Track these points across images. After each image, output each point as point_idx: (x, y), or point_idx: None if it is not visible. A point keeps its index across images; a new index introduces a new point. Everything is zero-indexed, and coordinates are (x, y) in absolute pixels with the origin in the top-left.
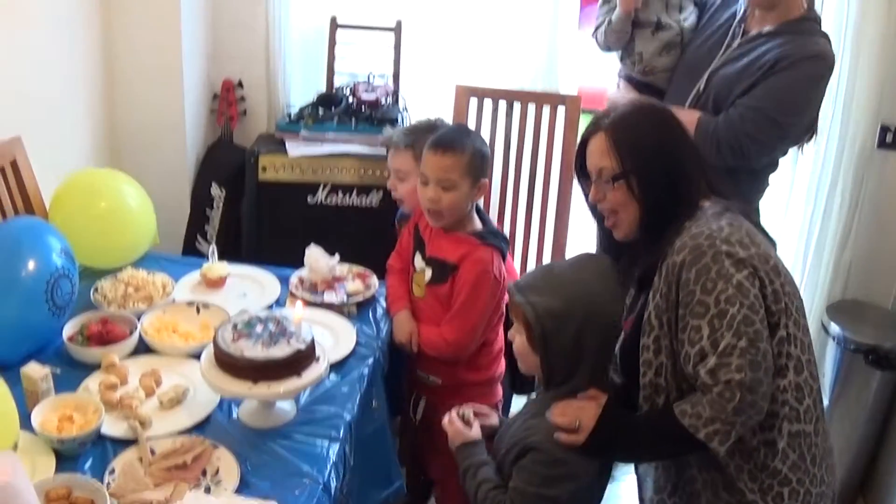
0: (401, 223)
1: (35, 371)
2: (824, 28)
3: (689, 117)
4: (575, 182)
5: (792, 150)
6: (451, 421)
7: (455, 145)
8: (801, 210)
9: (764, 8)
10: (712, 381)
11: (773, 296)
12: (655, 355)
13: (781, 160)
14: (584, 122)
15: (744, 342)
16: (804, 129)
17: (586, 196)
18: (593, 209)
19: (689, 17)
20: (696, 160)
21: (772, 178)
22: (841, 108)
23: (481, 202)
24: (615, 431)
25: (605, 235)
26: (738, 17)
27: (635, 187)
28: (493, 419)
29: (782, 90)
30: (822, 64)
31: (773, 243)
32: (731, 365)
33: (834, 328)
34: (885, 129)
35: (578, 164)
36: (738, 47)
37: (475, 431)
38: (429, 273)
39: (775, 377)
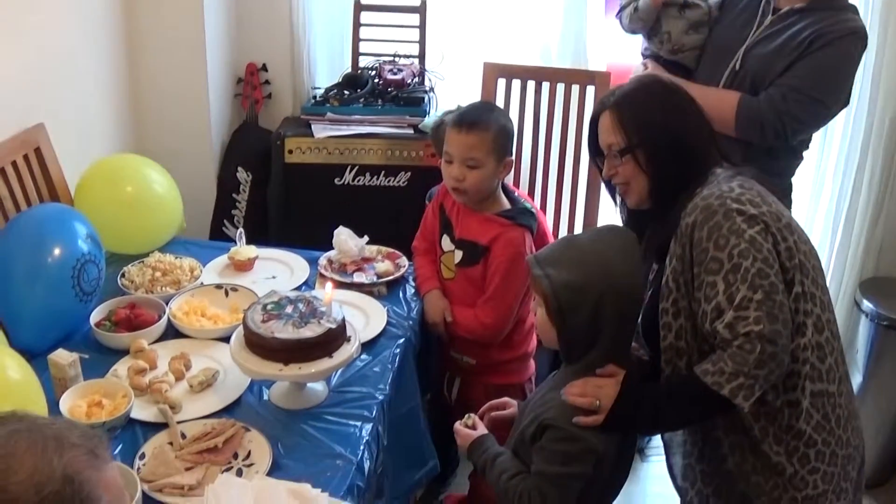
0: (432, 199)
1: (63, 358)
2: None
3: (728, 97)
4: None
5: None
6: (457, 431)
7: (479, 123)
8: (830, 187)
9: None
10: (731, 335)
11: (787, 252)
12: (675, 318)
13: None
14: None
15: (759, 294)
16: (841, 105)
17: (600, 172)
18: (608, 184)
19: None
20: (705, 131)
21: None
22: (869, 82)
23: (511, 181)
24: (635, 407)
25: (626, 211)
26: None
27: (642, 160)
28: (511, 409)
29: (822, 69)
30: (857, 41)
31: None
32: (749, 318)
33: (866, 304)
34: None
35: (592, 143)
36: (770, 24)
37: (480, 429)
38: (459, 255)
39: (794, 335)
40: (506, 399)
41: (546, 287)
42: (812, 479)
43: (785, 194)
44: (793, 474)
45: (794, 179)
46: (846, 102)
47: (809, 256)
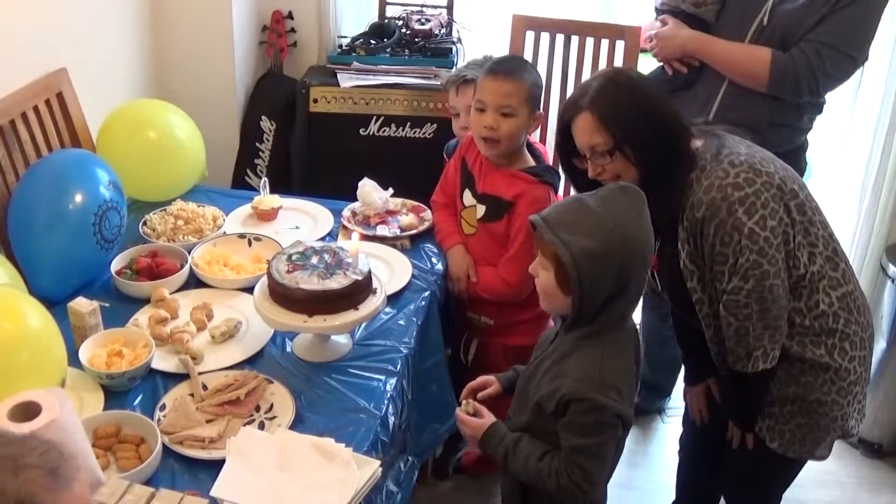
0: (451, 153)
1: (83, 306)
2: None
3: (759, 53)
4: None
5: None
6: (463, 422)
7: (515, 72)
8: (859, 149)
9: None
10: (726, 314)
11: (796, 205)
12: (703, 292)
13: (840, 100)
14: (642, 58)
15: (750, 284)
16: (865, 60)
17: (570, 172)
18: (568, 171)
19: None
20: (673, 111)
21: (830, 116)
22: None
23: (537, 138)
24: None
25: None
26: None
27: (631, 155)
28: (493, 385)
29: (853, 25)
30: None
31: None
32: (740, 302)
33: (893, 270)
34: None
35: (564, 146)
36: None
37: (488, 417)
38: (482, 210)
39: (808, 264)
40: (484, 378)
41: (565, 256)
42: (852, 367)
43: (799, 155)
44: (838, 367)
45: (821, 143)
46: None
47: (795, 180)
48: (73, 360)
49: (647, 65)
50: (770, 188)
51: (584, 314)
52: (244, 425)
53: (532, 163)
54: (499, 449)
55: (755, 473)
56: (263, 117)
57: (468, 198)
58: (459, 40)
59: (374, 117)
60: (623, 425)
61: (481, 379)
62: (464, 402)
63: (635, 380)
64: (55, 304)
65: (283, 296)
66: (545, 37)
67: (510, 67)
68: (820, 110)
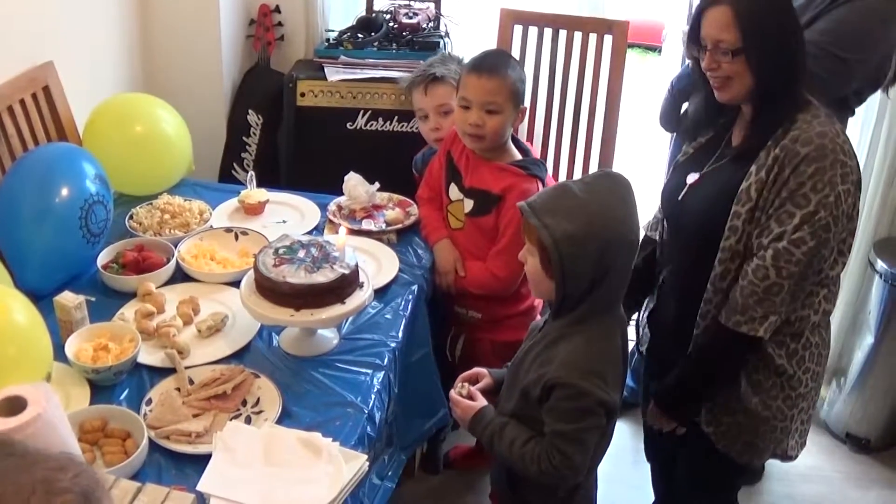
0: (420, 168)
1: (69, 300)
2: None
3: None
4: (621, 112)
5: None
6: (456, 403)
7: (499, 68)
8: None
9: None
10: (772, 262)
11: (857, 199)
12: (744, 224)
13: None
14: (631, 53)
15: (814, 242)
16: (874, 69)
17: (691, 48)
18: (694, 55)
19: None
20: (804, 47)
21: None
22: None
23: (525, 131)
24: (687, 399)
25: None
26: None
27: (753, 62)
28: (485, 378)
29: (845, 25)
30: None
31: None
32: (793, 257)
33: (881, 265)
34: None
35: (694, 30)
36: None
37: (480, 400)
38: (469, 204)
39: (834, 264)
40: (476, 370)
41: (546, 238)
42: (805, 378)
43: None
44: (791, 375)
45: None
46: (881, 68)
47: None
48: (59, 354)
49: (637, 60)
50: (855, 174)
51: (568, 298)
52: (231, 420)
53: (518, 156)
54: (485, 432)
55: (699, 470)
56: (250, 111)
57: (454, 192)
58: (447, 34)
59: (362, 111)
60: (607, 413)
61: (474, 370)
62: (459, 384)
63: (622, 368)
64: (41, 298)
65: (270, 290)
66: (533, 31)
67: (493, 64)
68: (845, 110)
